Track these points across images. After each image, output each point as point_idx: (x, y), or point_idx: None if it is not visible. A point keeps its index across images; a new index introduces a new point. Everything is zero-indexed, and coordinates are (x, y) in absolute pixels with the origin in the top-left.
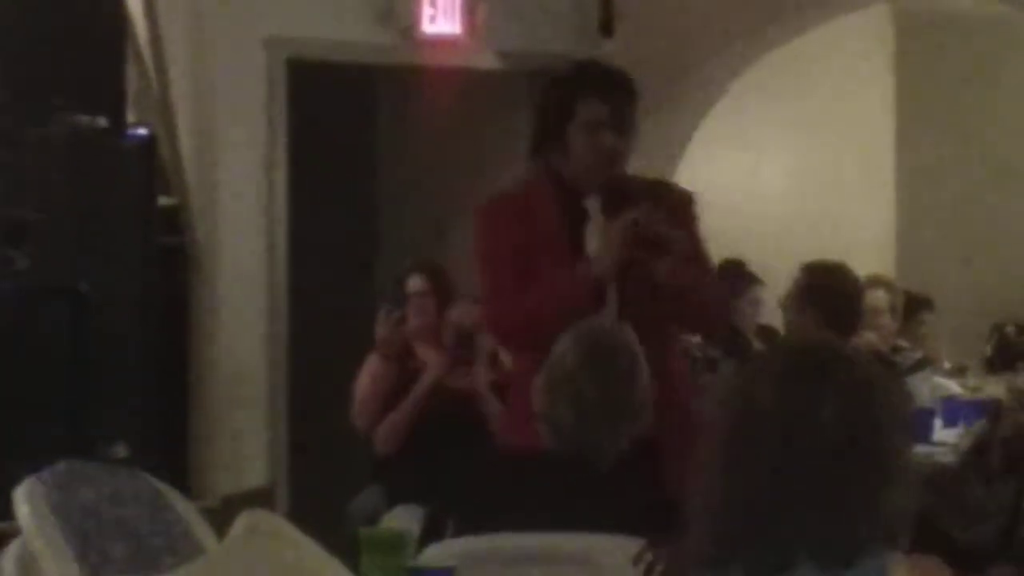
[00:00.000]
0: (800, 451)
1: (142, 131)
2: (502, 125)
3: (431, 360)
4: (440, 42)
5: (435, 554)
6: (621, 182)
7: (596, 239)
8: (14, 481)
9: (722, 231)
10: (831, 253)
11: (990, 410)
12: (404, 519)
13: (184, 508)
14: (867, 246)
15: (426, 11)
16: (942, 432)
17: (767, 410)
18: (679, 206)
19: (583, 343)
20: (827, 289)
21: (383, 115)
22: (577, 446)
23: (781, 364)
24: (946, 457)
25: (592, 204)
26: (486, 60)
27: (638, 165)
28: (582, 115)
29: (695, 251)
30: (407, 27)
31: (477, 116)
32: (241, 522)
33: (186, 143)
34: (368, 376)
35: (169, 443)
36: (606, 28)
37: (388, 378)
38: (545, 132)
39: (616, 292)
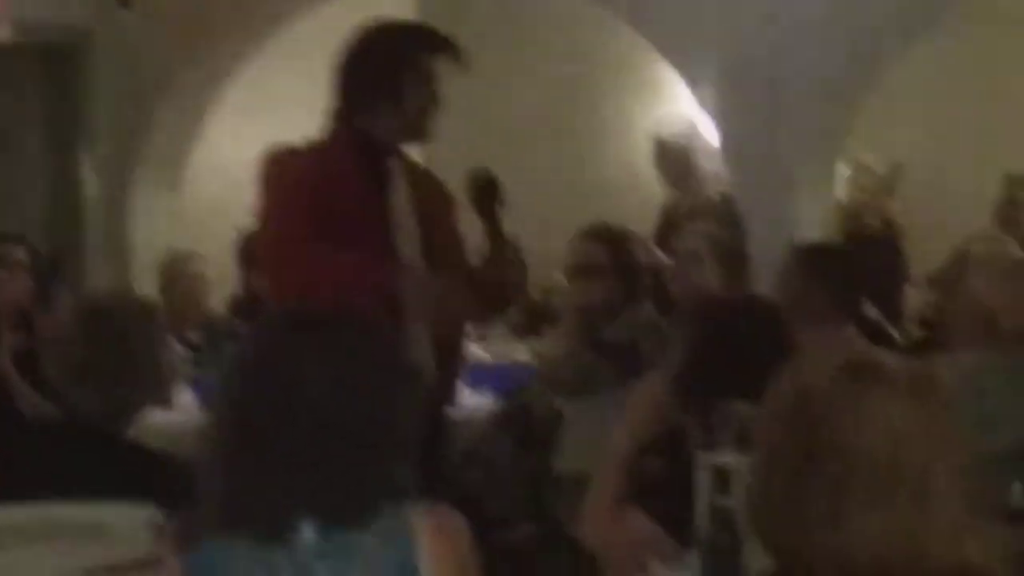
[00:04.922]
0: (288, 414)
1: None
2: (16, 99)
3: None
4: None
5: None
6: (412, 163)
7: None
8: None
9: (245, 205)
10: None
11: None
12: None
13: None
14: None
15: None
16: (470, 398)
17: (251, 371)
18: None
19: (82, 309)
20: None
21: None
22: (80, 412)
23: (268, 329)
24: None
25: (395, 164)
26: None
27: (157, 141)
28: (423, 66)
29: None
30: None
31: None
32: None
33: None
34: None
35: None
36: None
37: None
38: (369, 86)
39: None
